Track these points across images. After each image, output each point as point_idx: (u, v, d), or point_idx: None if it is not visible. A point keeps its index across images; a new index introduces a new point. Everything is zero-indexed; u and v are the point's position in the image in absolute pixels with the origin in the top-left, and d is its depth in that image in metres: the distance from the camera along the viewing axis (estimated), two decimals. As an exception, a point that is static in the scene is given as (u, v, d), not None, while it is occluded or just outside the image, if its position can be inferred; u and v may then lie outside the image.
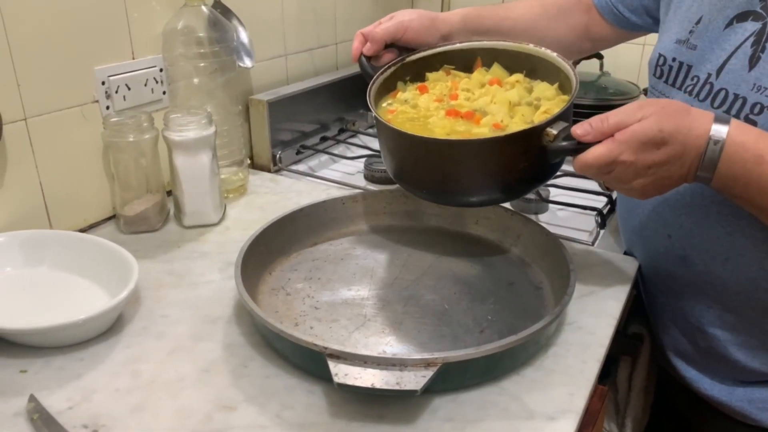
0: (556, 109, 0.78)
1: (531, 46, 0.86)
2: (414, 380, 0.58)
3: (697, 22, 0.79)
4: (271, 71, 1.25)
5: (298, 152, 1.25)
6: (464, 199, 0.80)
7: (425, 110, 0.83)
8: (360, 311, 0.75)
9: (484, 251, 0.88)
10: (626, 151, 0.65)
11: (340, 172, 1.23)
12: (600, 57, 1.46)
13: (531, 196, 1.04)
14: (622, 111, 0.67)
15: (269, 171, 1.19)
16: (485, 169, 0.75)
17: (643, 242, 0.86)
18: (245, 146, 1.14)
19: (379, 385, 0.57)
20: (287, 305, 0.76)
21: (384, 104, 0.87)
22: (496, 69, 0.89)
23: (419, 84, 0.89)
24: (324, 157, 1.28)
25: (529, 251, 0.86)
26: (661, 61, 0.85)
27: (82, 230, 0.95)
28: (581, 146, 0.67)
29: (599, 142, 0.66)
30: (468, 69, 0.91)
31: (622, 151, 0.65)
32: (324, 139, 1.32)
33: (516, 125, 0.77)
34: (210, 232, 0.96)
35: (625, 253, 0.93)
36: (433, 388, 0.60)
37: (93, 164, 0.95)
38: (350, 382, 0.57)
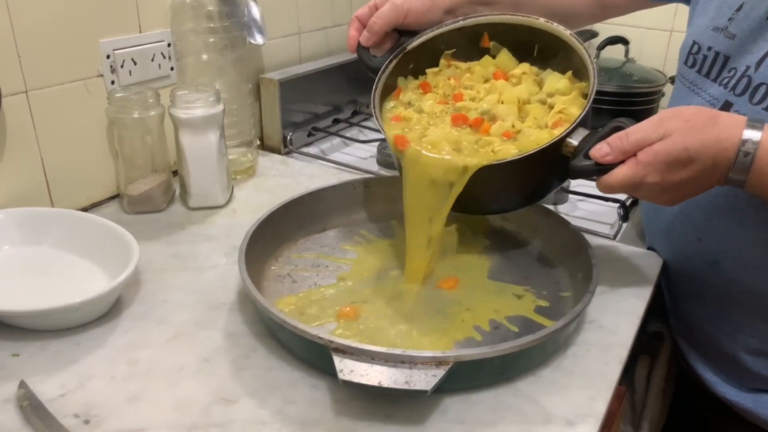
0: (571, 108, 0.73)
1: (541, 20, 0.79)
2: (424, 379, 0.54)
3: (738, 9, 0.74)
4: (283, 49, 1.21)
5: (310, 134, 1.22)
6: (481, 211, 0.78)
7: (430, 115, 0.77)
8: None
9: (500, 243, 0.84)
10: (651, 173, 0.62)
11: (353, 156, 1.19)
12: (625, 43, 1.40)
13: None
14: (642, 127, 0.63)
15: (279, 153, 1.16)
16: (503, 187, 0.72)
17: (670, 243, 0.82)
18: (255, 126, 1.10)
19: (386, 383, 0.54)
20: (293, 293, 0.73)
21: (389, 105, 0.81)
22: (504, 57, 0.82)
23: (421, 80, 0.83)
24: (336, 140, 1.24)
25: (548, 244, 0.82)
26: (694, 49, 0.80)
27: (85, 209, 0.92)
28: (603, 166, 0.64)
29: (622, 161, 0.63)
30: (475, 45, 0.84)
31: (647, 174, 0.62)
32: (336, 121, 1.28)
33: (529, 131, 0.72)
34: (216, 215, 0.93)
35: (649, 248, 0.89)
36: (444, 388, 0.56)
37: (97, 141, 0.91)
38: (356, 379, 0.54)
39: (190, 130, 0.89)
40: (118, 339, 0.67)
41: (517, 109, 0.75)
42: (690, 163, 0.61)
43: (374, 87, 0.80)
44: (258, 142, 1.08)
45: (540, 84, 0.79)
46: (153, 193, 0.92)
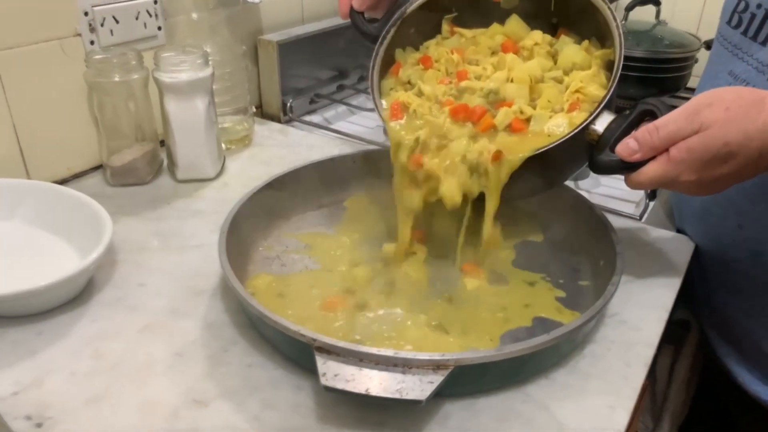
0: (590, 86, 0.64)
1: None
2: (419, 387, 0.47)
3: None
4: (283, 8, 1.12)
5: (312, 101, 1.13)
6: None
7: (431, 100, 0.68)
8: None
9: (513, 224, 0.75)
10: (686, 171, 0.55)
11: (359, 125, 1.11)
12: (656, 3, 1.29)
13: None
14: (675, 118, 0.55)
15: (279, 121, 1.08)
16: (517, 182, 0.64)
17: (705, 228, 0.74)
18: (251, 93, 1.02)
19: (375, 391, 0.47)
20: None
21: (387, 85, 0.73)
22: (513, 24, 0.73)
23: (422, 55, 0.73)
24: (341, 108, 1.16)
25: (567, 227, 0.74)
26: (740, 7, 0.70)
27: (65, 180, 0.85)
28: (631, 164, 0.58)
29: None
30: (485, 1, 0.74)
31: (681, 172, 0.56)
32: (341, 87, 1.19)
33: (542, 116, 0.64)
34: (206, 188, 0.86)
35: (679, 231, 0.80)
36: (444, 392, 0.49)
37: (76, 107, 0.84)
38: (340, 385, 0.47)
39: (176, 96, 0.82)
40: (84, 328, 0.60)
41: (529, 89, 0.66)
42: (731, 158, 0.53)
43: (371, 65, 0.71)
44: (254, 110, 1.00)
45: (554, 56, 0.70)
46: (137, 164, 0.85)
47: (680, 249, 0.74)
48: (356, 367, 0.48)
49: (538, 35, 0.71)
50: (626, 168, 0.59)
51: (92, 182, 0.86)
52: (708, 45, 1.19)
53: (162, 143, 0.89)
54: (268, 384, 0.54)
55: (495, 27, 0.73)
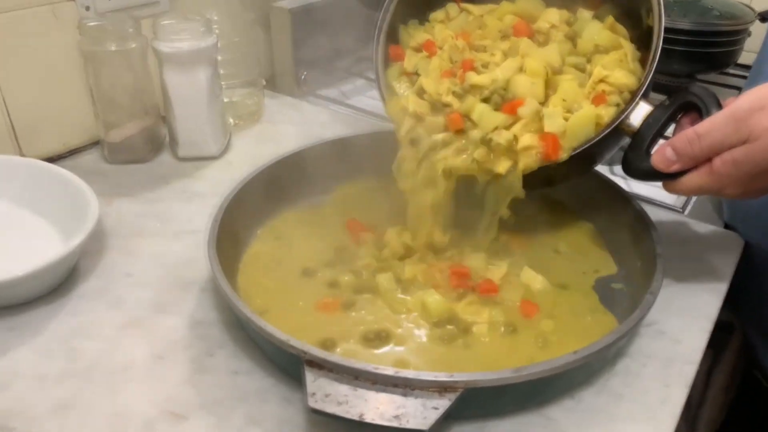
0: (617, 73, 0.56)
1: None
2: (421, 413, 0.41)
3: None
4: (300, -27, 1.04)
5: (328, 74, 1.06)
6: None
7: (435, 97, 0.60)
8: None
9: (537, 216, 0.67)
10: (731, 185, 0.50)
11: (378, 100, 1.03)
12: (707, -30, 1.18)
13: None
14: (720, 124, 0.48)
15: (292, 95, 1.01)
16: (545, 177, 0.58)
17: (761, 226, 0.65)
18: (262, 64, 0.95)
19: (370, 417, 0.40)
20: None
21: (393, 76, 0.66)
22: (525, 0, 0.64)
23: (425, 40, 0.65)
24: (360, 82, 1.08)
25: (597, 221, 0.66)
26: None
27: (62, 156, 0.80)
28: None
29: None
30: None
31: (725, 186, 0.51)
32: (361, 59, 1.11)
33: (554, 115, 0.56)
34: (208, 167, 0.80)
35: (726, 226, 0.72)
36: (453, 414, 0.43)
37: (71, 78, 0.78)
38: (330, 408, 0.41)
39: (176, 67, 0.75)
40: (62, 324, 0.55)
41: (545, 83, 0.57)
42: None
43: (374, 45, 0.64)
44: (264, 83, 0.93)
45: (573, 39, 0.61)
46: (136, 141, 0.79)
47: (728, 247, 0.66)
48: (350, 386, 0.42)
49: (553, 15, 0.63)
50: (663, 177, 0.53)
51: (89, 159, 0.81)
52: (763, 17, 1.08)
53: (164, 119, 0.83)
54: (254, 395, 0.48)
55: (505, 5, 0.65)
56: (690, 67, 1.06)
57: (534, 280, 0.58)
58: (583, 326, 0.54)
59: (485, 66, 0.60)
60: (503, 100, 0.57)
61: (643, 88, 0.55)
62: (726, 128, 0.48)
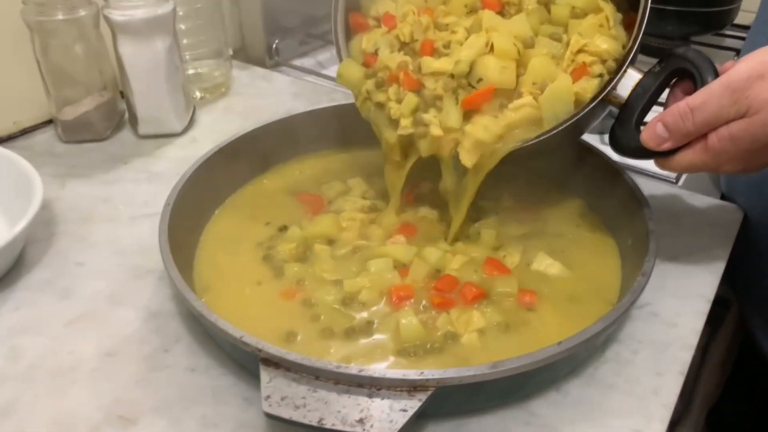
0: (597, 41, 0.51)
1: None
2: (387, 416, 0.37)
3: None
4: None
5: (303, 43, 1.00)
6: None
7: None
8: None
9: (521, 190, 0.63)
10: (728, 162, 0.46)
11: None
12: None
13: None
14: (715, 96, 0.44)
15: (263, 66, 0.95)
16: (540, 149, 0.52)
17: (761, 197, 0.61)
18: (231, 32, 0.90)
19: (330, 422, 0.36)
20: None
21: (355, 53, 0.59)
22: None
23: (384, 13, 0.58)
24: (336, 50, 1.03)
25: (588, 195, 0.61)
26: None
27: (13, 136, 0.75)
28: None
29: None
30: None
31: (722, 163, 0.47)
32: (338, 26, 1.05)
33: (527, 101, 0.50)
34: (170, 145, 0.74)
35: (723, 197, 0.68)
36: (427, 412, 0.39)
37: (17, 52, 0.72)
38: (286, 413, 0.36)
39: (131, 37, 0.70)
40: (2, 319, 0.50)
41: (515, 63, 0.51)
42: None
43: (333, 13, 0.58)
44: (231, 53, 0.88)
45: (548, 4, 0.55)
46: (91, 117, 0.74)
47: (726, 221, 0.62)
48: (309, 387, 0.38)
49: None
50: (654, 154, 0.48)
51: (43, 139, 0.75)
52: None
53: (122, 94, 0.77)
54: (211, 395, 0.44)
55: None
56: (684, 28, 1.00)
57: (551, 266, 0.53)
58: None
59: (446, 46, 0.53)
60: (469, 84, 0.51)
61: (631, 55, 0.50)
62: (722, 100, 0.44)
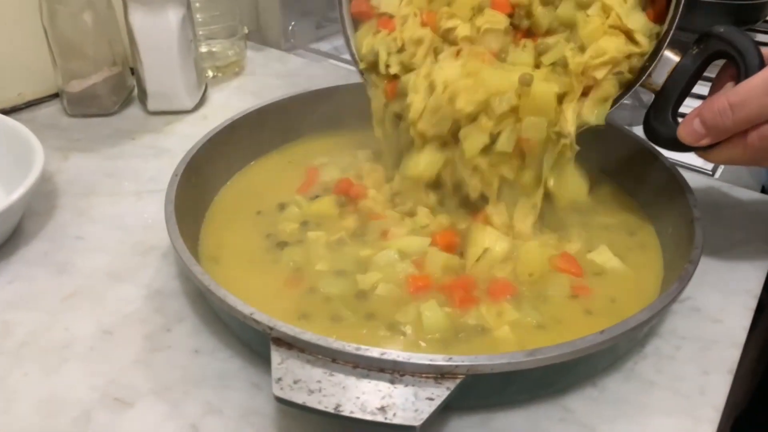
0: (608, 45, 0.47)
1: None
2: (412, 405, 0.33)
3: None
4: None
5: (320, 26, 0.97)
6: None
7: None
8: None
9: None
10: None
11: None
12: None
13: (626, 100, 0.73)
14: (754, 93, 0.41)
15: (279, 48, 0.92)
16: None
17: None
18: (248, 13, 0.86)
19: (348, 409, 0.32)
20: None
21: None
22: None
23: (382, 16, 0.54)
24: (355, 36, 0.99)
25: (626, 181, 0.57)
26: None
27: (17, 108, 0.72)
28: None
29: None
30: None
31: (762, 159, 0.44)
32: (357, 11, 1.02)
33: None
34: (180, 122, 0.71)
35: (764, 191, 0.64)
36: (452, 403, 0.35)
37: (24, 21, 0.69)
38: (299, 397, 0.33)
39: (142, 7, 0.67)
40: (-4, 292, 0.47)
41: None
42: None
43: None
44: (246, 31, 0.84)
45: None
46: (99, 90, 0.71)
47: (766, 214, 0.58)
48: (326, 370, 0.34)
49: None
50: (692, 148, 0.45)
51: (48, 111, 0.72)
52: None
53: (132, 70, 0.74)
54: (216, 379, 0.41)
55: None
56: (714, 21, 0.94)
57: (610, 260, 0.49)
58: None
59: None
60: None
61: (667, 39, 0.46)
62: (764, 99, 0.41)
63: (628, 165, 0.56)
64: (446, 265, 0.47)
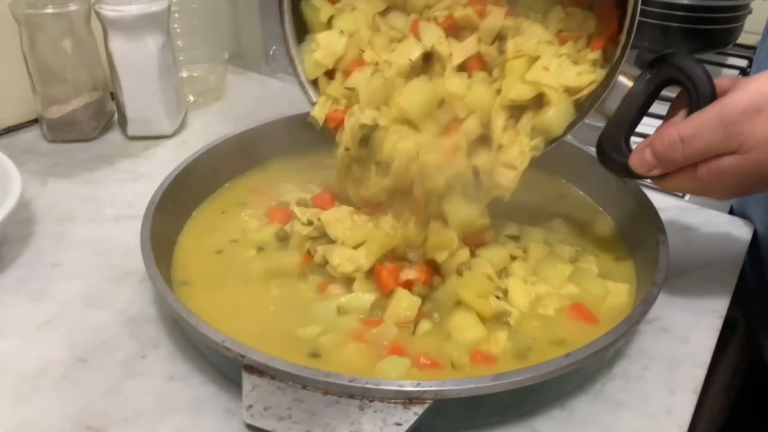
0: (559, 78, 0.47)
1: None
2: (380, 430, 0.33)
3: None
4: (269, -61, 0.96)
5: (301, 49, 0.98)
6: None
7: None
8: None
9: (526, 201, 0.59)
10: (718, 192, 0.45)
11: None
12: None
13: (595, 122, 0.74)
14: (704, 129, 0.42)
15: (260, 72, 0.93)
16: None
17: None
18: (228, 37, 0.87)
19: (317, 436, 0.33)
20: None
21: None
22: None
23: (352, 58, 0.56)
24: (335, 59, 1.01)
25: (586, 203, 0.59)
26: None
27: (-4, 135, 0.72)
28: None
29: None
30: None
31: (712, 192, 0.46)
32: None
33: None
34: (159, 146, 0.72)
35: (731, 212, 0.65)
36: (422, 427, 0.35)
37: (4, 47, 0.70)
38: (269, 424, 0.33)
39: (122, 34, 0.67)
40: (-31, 320, 0.47)
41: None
42: None
43: (281, 24, 0.57)
44: (227, 56, 0.85)
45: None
46: (78, 116, 0.71)
47: (735, 236, 0.59)
48: (295, 397, 0.35)
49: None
50: (644, 176, 0.46)
51: (27, 137, 0.73)
52: (764, -8, 1.02)
53: (113, 95, 0.75)
54: (189, 405, 0.41)
55: None
56: (686, 45, 0.98)
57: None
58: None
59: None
60: None
61: (618, 69, 0.46)
62: (714, 134, 0.41)
63: (603, 190, 0.57)
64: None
